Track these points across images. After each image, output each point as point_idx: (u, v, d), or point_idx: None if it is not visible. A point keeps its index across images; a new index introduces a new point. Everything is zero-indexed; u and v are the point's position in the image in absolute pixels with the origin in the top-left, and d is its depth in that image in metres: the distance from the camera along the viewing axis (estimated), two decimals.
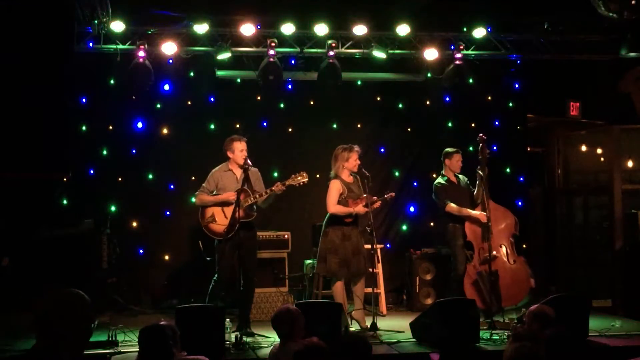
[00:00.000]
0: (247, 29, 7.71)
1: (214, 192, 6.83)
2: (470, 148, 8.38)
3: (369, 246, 6.87)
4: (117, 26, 7.50)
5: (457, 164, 7.47)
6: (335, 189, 6.93)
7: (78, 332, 2.75)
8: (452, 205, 7.28)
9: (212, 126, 8.63)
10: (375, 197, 6.96)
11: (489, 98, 9.28)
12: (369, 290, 7.03)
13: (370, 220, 6.79)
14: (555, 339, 3.75)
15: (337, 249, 6.86)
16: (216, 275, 6.77)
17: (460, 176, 7.55)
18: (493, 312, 6.91)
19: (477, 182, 7.34)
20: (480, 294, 7.08)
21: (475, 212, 7.23)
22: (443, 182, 7.47)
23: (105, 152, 8.46)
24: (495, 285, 7.02)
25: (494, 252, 7.19)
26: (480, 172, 7.28)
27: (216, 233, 6.74)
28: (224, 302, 6.52)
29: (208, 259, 7.09)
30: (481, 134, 7.45)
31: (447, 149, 7.57)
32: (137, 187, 8.50)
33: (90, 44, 7.64)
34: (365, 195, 6.84)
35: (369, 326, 6.68)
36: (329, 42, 7.93)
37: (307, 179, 6.77)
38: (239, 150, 6.81)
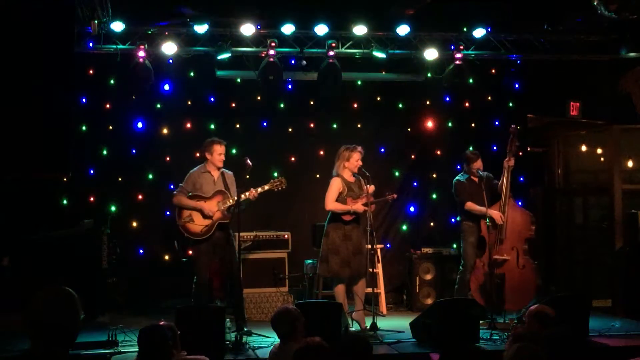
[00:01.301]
0: (247, 29, 7.71)
1: (191, 193, 6.86)
2: (470, 148, 8.34)
3: (369, 246, 6.87)
4: (117, 26, 7.51)
5: (474, 171, 7.39)
6: (335, 186, 6.94)
7: (68, 328, 2.80)
8: (471, 204, 7.25)
9: (212, 126, 8.63)
10: (373, 199, 6.96)
11: (489, 98, 9.29)
12: (369, 290, 7.03)
13: (370, 221, 6.79)
14: (556, 339, 3.75)
15: (339, 249, 6.85)
16: (195, 278, 6.80)
17: (482, 173, 7.45)
18: (494, 311, 6.90)
19: (503, 173, 7.28)
20: (485, 292, 7.07)
21: (493, 212, 7.14)
22: (463, 180, 7.46)
23: (105, 152, 8.48)
24: (500, 287, 6.99)
25: (505, 255, 7.16)
26: (507, 163, 7.23)
27: (193, 233, 6.79)
28: (224, 303, 6.53)
29: (184, 260, 7.14)
30: (513, 125, 7.39)
31: (467, 154, 7.49)
32: (137, 187, 8.51)
33: (90, 44, 7.64)
34: (365, 194, 6.84)
35: (368, 327, 6.68)
36: (329, 42, 7.94)
37: (285, 185, 6.87)
38: (217, 153, 6.86)
